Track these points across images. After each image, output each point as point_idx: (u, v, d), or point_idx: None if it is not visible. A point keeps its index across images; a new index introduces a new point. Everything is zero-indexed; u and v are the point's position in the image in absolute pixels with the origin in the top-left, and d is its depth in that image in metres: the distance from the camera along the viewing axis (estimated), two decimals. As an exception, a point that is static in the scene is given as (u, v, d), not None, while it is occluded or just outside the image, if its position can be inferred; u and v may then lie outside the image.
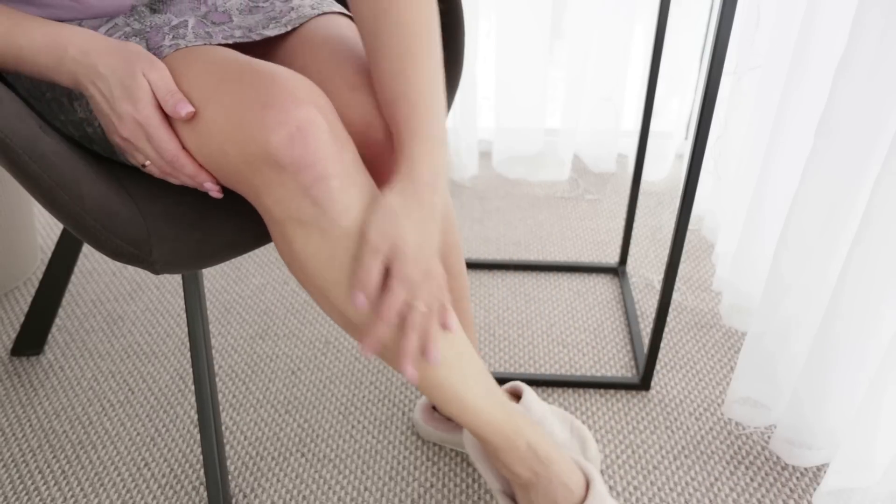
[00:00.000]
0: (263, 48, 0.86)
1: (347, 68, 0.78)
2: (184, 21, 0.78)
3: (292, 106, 0.66)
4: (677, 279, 1.41)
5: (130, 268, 1.45)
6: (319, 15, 0.84)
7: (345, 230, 0.68)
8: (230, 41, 0.78)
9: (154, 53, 0.74)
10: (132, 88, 0.68)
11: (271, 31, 0.81)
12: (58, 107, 0.80)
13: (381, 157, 0.78)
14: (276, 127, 0.65)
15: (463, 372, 0.79)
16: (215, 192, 0.73)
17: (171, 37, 0.75)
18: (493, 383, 0.83)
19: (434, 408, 1.06)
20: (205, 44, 0.76)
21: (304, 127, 0.66)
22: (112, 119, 0.70)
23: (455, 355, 0.78)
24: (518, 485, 0.85)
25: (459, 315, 0.94)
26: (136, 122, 0.69)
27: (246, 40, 0.79)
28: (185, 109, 0.68)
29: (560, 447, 0.94)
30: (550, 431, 0.96)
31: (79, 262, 1.45)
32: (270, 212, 0.69)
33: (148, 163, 0.72)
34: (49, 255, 1.26)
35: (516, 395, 0.99)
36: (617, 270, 1.42)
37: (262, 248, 1.51)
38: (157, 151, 0.70)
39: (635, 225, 1.57)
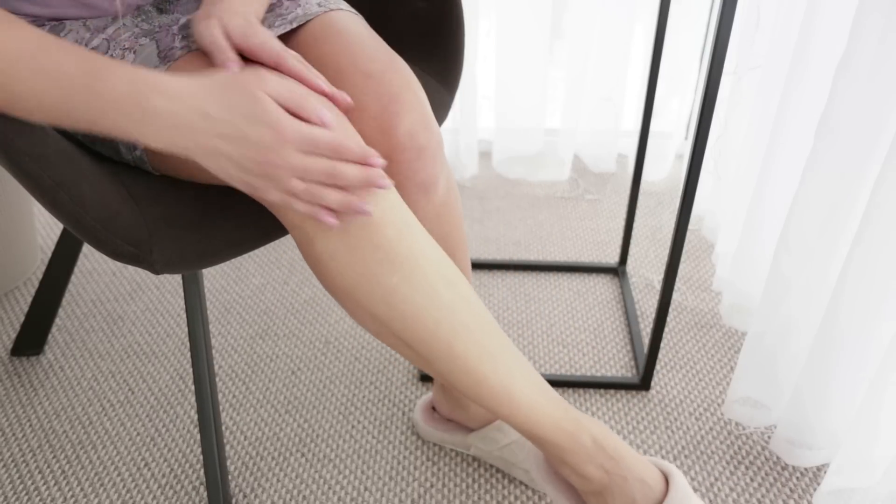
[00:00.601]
0: None
1: (361, 58, 0.77)
2: (191, 20, 0.78)
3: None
4: (677, 279, 1.41)
5: (131, 268, 1.45)
6: (327, 12, 0.84)
7: (363, 220, 0.68)
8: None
9: (165, 55, 0.73)
10: (257, 113, 0.60)
11: (279, 29, 0.81)
12: None
13: (398, 146, 0.78)
14: None
15: (508, 365, 0.74)
16: (382, 162, 0.66)
17: (180, 37, 0.75)
18: (540, 377, 0.77)
19: (434, 408, 1.06)
20: None
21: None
22: (251, 164, 0.61)
23: (498, 347, 0.74)
24: (590, 492, 0.78)
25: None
26: (282, 142, 0.60)
27: None
28: (343, 98, 0.64)
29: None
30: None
31: (79, 262, 1.45)
32: (289, 213, 0.69)
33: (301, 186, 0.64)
34: (49, 254, 1.26)
35: None
36: (617, 270, 1.42)
37: (262, 248, 1.51)
38: (324, 151, 0.63)
39: (635, 225, 1.57)
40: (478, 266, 1.45)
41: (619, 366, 1.21)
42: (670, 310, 1.33)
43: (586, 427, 0.76)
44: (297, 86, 0.63)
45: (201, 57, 0.73)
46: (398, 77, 0.76)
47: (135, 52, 0.74)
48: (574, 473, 0.77)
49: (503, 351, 0.74)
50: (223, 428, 1.10)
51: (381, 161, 0.65)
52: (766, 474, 1.02)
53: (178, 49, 0.73)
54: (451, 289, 0.72)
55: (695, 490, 1.00)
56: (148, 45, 0.74)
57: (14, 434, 1.09)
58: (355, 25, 0.83)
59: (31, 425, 1.10)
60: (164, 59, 0.73)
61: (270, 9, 0.85)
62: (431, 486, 1.01)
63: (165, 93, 0.59)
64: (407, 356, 0.75)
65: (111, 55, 0.74)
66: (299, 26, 0.83)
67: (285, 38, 0.85)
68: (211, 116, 0.59)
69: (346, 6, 0.88)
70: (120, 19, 0.79)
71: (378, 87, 0.75)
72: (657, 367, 1.20)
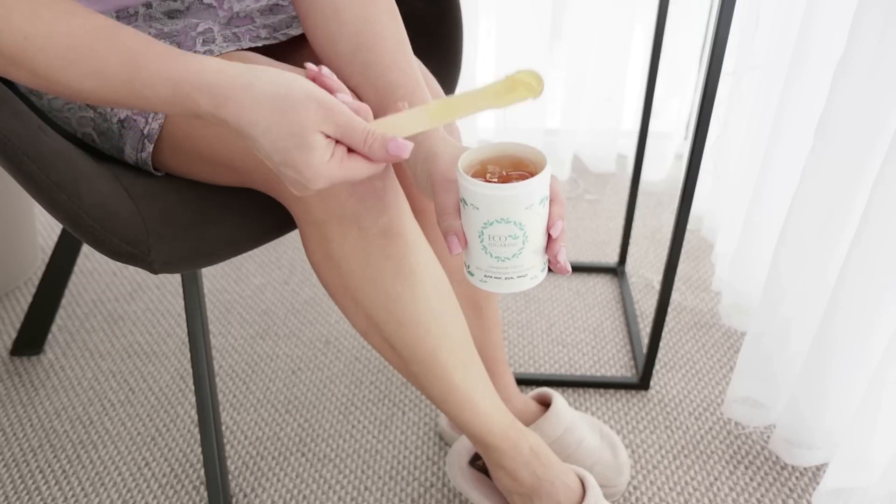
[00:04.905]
0: (286, 46, 0.87)
1: None
2: (209, 28, 0.78)
3: None
4: (677, 279, 1.41)
5: (130, 268, 1.45)
6: None
7: (381, 229, 0.71)
8: (258, 43, 0.79)
9: None
10: (301, 158, 0.56)
11: (296, 31, 0.83)
12: (62, 102, 0.80)
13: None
14: None
15: (474, 375, 0.81)
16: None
17: (201, 41, 0.76)
18: (493, 388, 0.84)
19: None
20: (236, 48, 0.76)
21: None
22: (290, 185, 0.60)
23: (469, 358, 0.80)
24: (520, 493, 0.85)
25: (485, 313, 0.94)
26: (324, 178, 0.58)
27: (273, 42, 0.81)
28: (405, 149, 0.58)
29: (593, 453, 0.95)
30: (581, 438, 0.96)
31: (79, 262, 1.45)
32: (312, 211, 0.71)
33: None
34: (49, 255, 1.26)
35: (545, 403, 0.99)
36: (616, 270, 1.42)
37: (261, 248, 1.51)
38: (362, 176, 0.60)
39: (635, 225, 1.57)
40: (477, 266, 1.44)
41: (619, 366, 1.21)
42: (669, 310, 1.33)
43: (526, 436, 0.84)
44: (353, 131, 0.58)
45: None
46: None
47: None
48: (508, 476, 0.84)
49: (473, 362, 0.81)
50: (223, 428, 1.10)
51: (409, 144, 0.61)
52: (766, 474, 1.02)
53: (201, 55, 0.74)
54: (442, 302, 0.77)
55: (694, 489, 1.00)
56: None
57: (14, 434, 1.09)
58: None
59: (31, 425, 1.11)
60: None
61: (284, 10, 0.86)
62: (431, 485, 1.01)
63: (210, 94, 0.57)
64: (387, 356, 0.79)
65: None
66: None
67: (302, 37, 0.85)
68: (248, 135, 0.57)
69: None
70: (133, 20, 0.79)
71: None
72: (656, 366, 1.20)
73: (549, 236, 0.63)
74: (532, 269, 0.63)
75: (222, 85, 0.57)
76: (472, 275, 0.65)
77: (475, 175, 0.61)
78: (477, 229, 0.61)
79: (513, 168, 0.63)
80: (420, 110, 0.61)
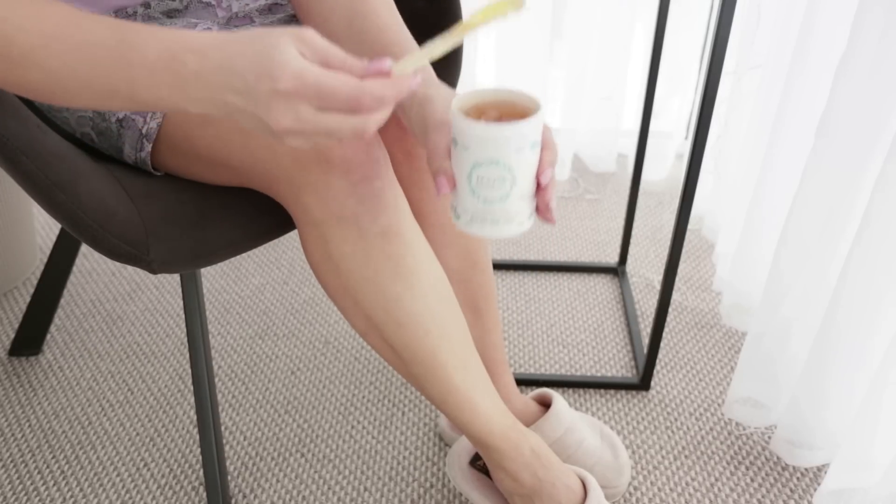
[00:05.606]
0: None
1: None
2: (208, 28, 0.78)
3: None
4: (677, 279, 1.40)
5: (129, 268, 1.45)
6: None
7: (381, 229, 0.71)
8: None
9: None
10: (272, 63, 0.52)
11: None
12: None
13: (406, 138, 0.80)
14: None
15: (475, 376, 0.81)
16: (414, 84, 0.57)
17: None
18: (493, 388, 0.84)
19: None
20: None
21: (356, 129, 0.65)
22: (262, 115, 0.54)
23: (470, 359, 0.80)
24: (521, 495, 0.85)
25: (485, 314, 0.94)
26: (287, 96, 0.52)
27: None
28: (385, 63, 0.54)
29: (594, 453, 0.95)
30: (581, 438, 0.96)
31: (78, 262, 1.45)
32: (310, 211, 0.71)
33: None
34: (48, 254, 1.26)
35: (545, 404, 0.99)
36: (617, 270, 1.42)
37: (261, 248, 1.51)
38: (341, 107, 0.54)
39: (635, 225, 1.57)
40: (477, 266, 1.44)
41: (619, 366, 1.21)
42: (670, 310, 1.32)
43: (527, 437, 0.84)
44: (331, 52, 0.54)
45: None
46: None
47: None
48: (509, 477, 0.84)
49: (473, 363, 0.80)
50: (222, 428, 1.10)
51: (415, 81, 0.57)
52: (767, 474, 1.02)
53: None
54: (442, 303, 0.77)
55: (695, 490, 1.00)
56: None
57: (13, 434, 1.09)
58: None
59: (30, 425, 1.10)
60: None
61: (282, 9, 0.86)
62: (431, 486, 1.01)
63: (197, 49, 0.54)
64: (387, 358, 0.79)
65: None
66: None
67: None
68: (226, 68, 0.53)
69: None
70: (131, 18, 0.78)
71: None
72: (657, 367, 1.20)
73: (539, 184, 0.62)
74: (518, 214, 0.63)
75: (210, 43, 0.54)
76: (458, 217, 0.65)
77: (469, 117, 0.61)
78: (466, 170, 0.61)
79: (508, 113, 0.63)
80: (414, 53, 0.59)
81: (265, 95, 0.52)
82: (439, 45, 0.57)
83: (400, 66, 0.56)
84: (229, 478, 1.02)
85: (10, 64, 0.55)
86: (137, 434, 1.09)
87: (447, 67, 0.99)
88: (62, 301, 1.34)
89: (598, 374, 1.18)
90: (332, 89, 0.52)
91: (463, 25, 0.58)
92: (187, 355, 1.23)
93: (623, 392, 1.15)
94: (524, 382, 1.15)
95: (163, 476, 1.03)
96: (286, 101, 0.52)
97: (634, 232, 1.55)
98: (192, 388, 1.16)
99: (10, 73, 0.56)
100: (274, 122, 0.53)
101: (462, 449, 0.93)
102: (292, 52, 0.52)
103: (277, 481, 1.02)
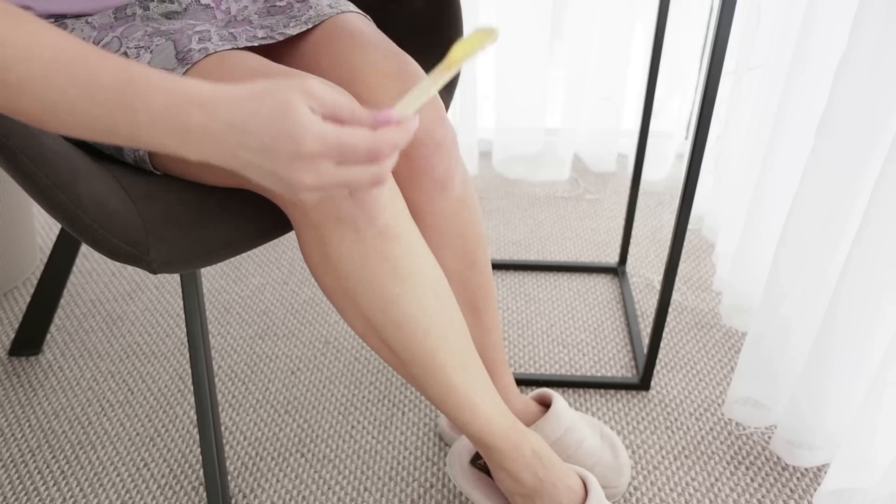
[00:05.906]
0: (284, 47, 0.87)
1: (377, 57, 0.80)
2: (206, 30, 0.78)
3: None
4: (677, 279, 1.40)
5: (129, 268, 1.45)
6: (339, 13, 0.85)
7: (379, 230, 0.71)
8: (254, 43, 0.79)
9: (183, 57, 0.73)
10: (290, 125, 0.52)
11: (293, 30, 0.83)
12: None
13: (415, 142, 0.80)
14: None
15: (475, 376, 0.81)
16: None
17: (197, 39, 0.75)
18: (494, 389, 0.84)
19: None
20: (232, 47, 0.76)
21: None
22: (283, 174, 0.54)
23: (469, 359, 0.80)
24: (521, 495, 0.85)
25: (484, 315, 0.94)
26: (311, 157, 0.53)
27: (270, 41, 0.81)
28: (392, 116, 0.55)
29: (594, 453, 0.95)
30: (581, 438, 0.96)
31: (78, 262, 1.45)
32: (308, 213, 0.71)
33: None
34: (48, 254, 1.26)
35: (545, 404, 0.99)
36: (617, 270, 1.42)
37: (261, 248, 1.51)
38: (359, 160, 0.55)
39: (635, 225, 1.57)
40: (477, 266, 1.44)
41: (619, 366, 1.21)
42: (670, 310, 1.32)
43: (527, 437, 0.83)
44: (339, 105, 0.55)
45: (220, 60, 0.73)
46: (412, 76, 0.79)
47: (151, 52, 0.74)
48: (509, 477, 0.84)
49: (473, 363, 0.80)
50: (222, 428, 1.10)
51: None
52: (767, 475, 1.02)
53: (196, 52, 0.73)
54: (441, 303, 0.77)
55: (695, 490, 1.00)
56: (165, 46, 0.74)
57: (13, 434, 1.09)
58: (367, 27, 0.85)
59: (30, 426, 1.10)
60: (183, 62, 0.73)
61: (282, 10, 0.86)
62: (431, 486, 1.01)
63: (203, 105, 0.53)
64: (386, 358, 0.79)
65: (125, 53, 0.74)
66: (314, 26, 0.84)
67: (298, 39, 0.85)
68: (238, 127, 0.53)
69: (355, 8, 0.90)
70: (129, 18, 0.78)
71: (395, 86, 0.78)
72: (657, 367, 1.20)
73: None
74: None
75: (217, 97, 0.54)
76: None
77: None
78: None
79: None
80: (411, 93, 0.59)
81: (286, 157, 0.53)
82: (432, 85, 0.58)
83: (402, 109, 0.57)
84: (229, 478, 1.02)
85: (5, 90, 0.52)
86: (137, 434, 1.09)
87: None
88: (62, 301, 1.34)
89: (598, 374, 1.18)
90: (353, 146, 0.53)
91: (448, 61, 0.59)
92: (187, 355, 1.23)
93: (623, 392, 1.15)
94: (524, 382, 1.15)
95: (163, 476, 1.03)
96: (309, 162, 0.53)
97: (634, 232, 1.55)
98: (192, 388, 1.16)
99: (1, 97, 0.53)
100: (297, 182, 0.54)
101: (463, 448, 0.93)
102: (306, 111, 0.52)
103: (277, 481, 1.02)
